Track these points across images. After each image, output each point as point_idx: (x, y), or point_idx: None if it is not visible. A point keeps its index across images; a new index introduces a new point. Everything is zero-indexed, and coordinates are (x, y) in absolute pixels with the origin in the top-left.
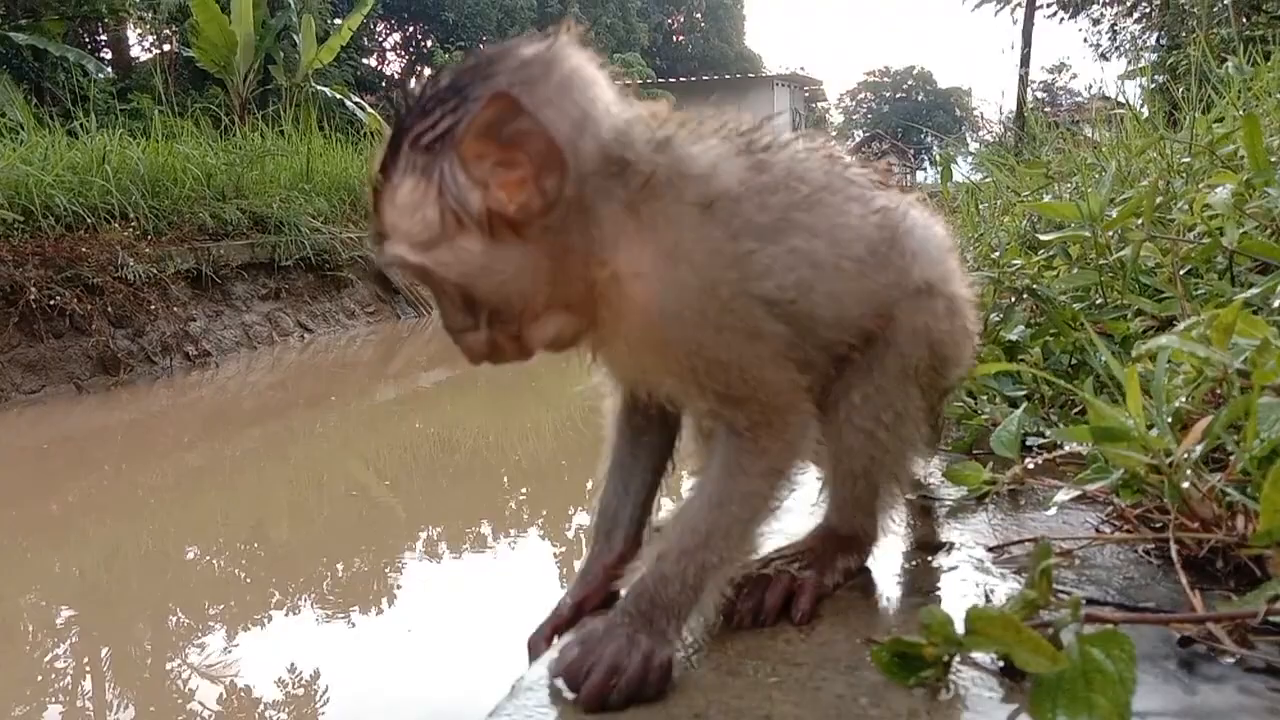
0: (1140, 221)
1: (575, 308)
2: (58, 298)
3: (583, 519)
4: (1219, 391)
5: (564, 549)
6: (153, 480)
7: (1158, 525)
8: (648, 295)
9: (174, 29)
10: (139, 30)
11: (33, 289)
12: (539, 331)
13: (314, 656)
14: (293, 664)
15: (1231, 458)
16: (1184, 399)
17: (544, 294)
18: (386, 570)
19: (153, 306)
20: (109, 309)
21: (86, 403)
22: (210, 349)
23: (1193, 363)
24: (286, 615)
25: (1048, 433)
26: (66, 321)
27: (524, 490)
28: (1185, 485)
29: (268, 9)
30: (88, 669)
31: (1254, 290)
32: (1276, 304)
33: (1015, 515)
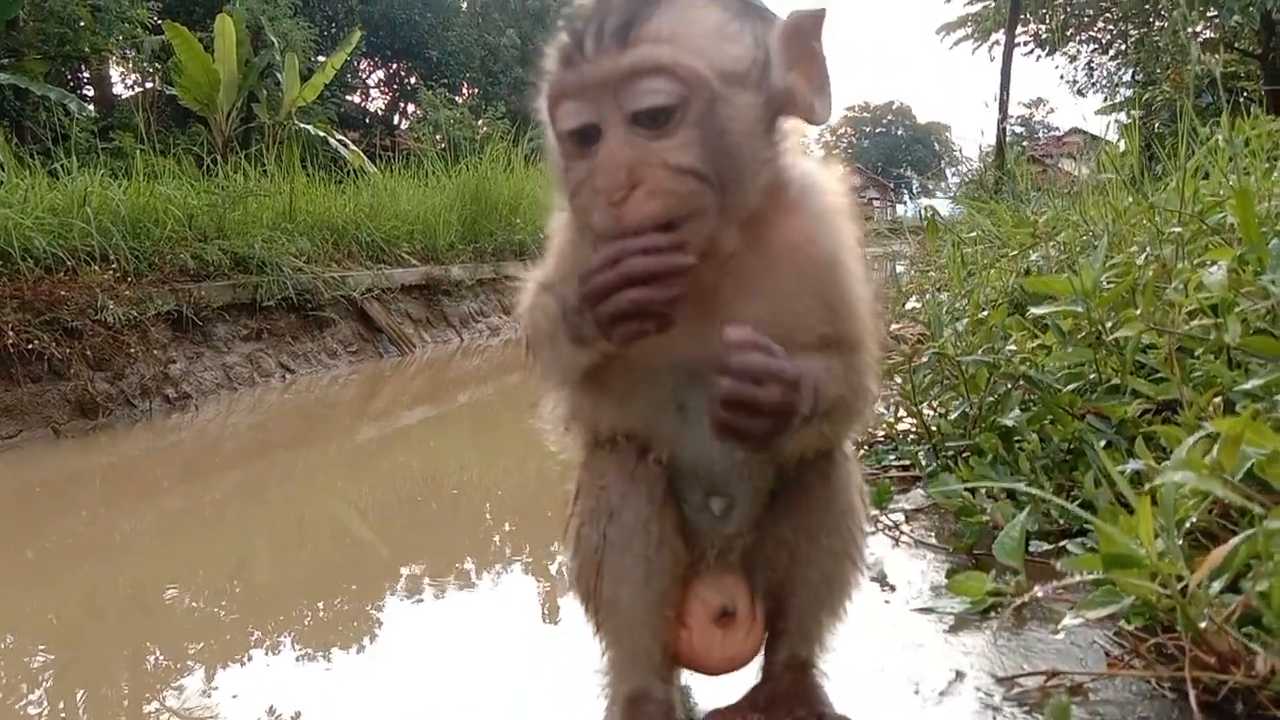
0: (1139, 311)
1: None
2: (36, 341)
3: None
4: (1230, 507)
5: (548, 586)
6: (131, 524)
7: (1170, 653)
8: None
9: (157, 67)
10: (121, 69)
11: (10, 333)
12: (731, 234)
13: (295, 698)
14: (272, 706)
15: (1246, 584)
16: (1195, 517)
17: (761, 183)
18: (369, 610)
19: (132, 349)
20: (88, 352)
21: (64, 447)
22: (190, 391)
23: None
24: (267, 656)
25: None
26: (44, 365)
27: (508, 527)
28: (1202, 624)
29: (251, 47)
30: (63, 714)
31: (1255, 382)
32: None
33: (1021, 634)
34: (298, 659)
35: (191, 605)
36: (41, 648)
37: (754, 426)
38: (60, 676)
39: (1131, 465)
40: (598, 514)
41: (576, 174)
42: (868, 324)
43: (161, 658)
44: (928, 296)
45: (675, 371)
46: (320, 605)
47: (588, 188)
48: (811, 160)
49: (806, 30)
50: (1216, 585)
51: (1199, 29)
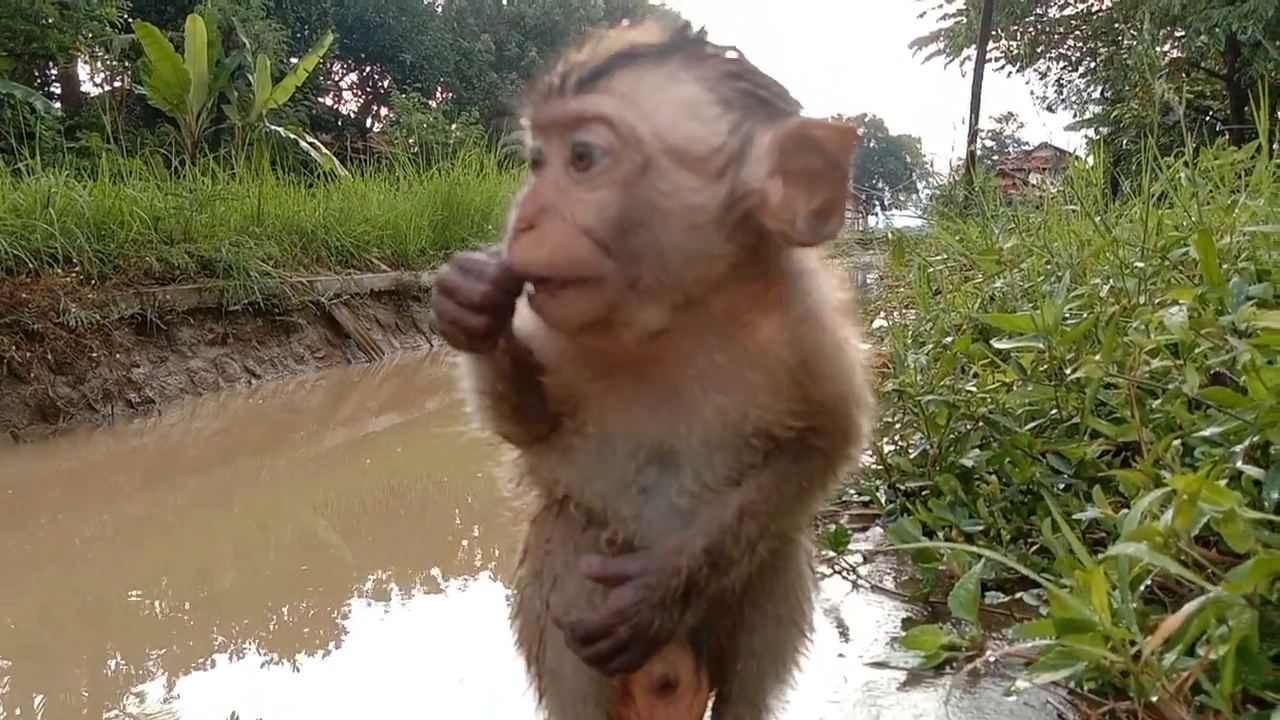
0: (1099, 352)
1: (704, 319)
2: None
3: None
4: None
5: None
6: (91, 530)
7: (1123, 716)
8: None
9: (126, 66)
10: (90, 67)
11: None
12: (652, 313)
13: (259, 703)
14: (235, 713)
15: (1202, 649)
16: (1150, 578)
17: (699, 277)
18: (334, 615)
19: (95, 353)
20: (49, 355)
21: (23, 451)
22: (153, 396)
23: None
24: (231, 662)
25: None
26: (4, 369)
27: (476, 533)
28: (1154, 696)
29: (223, 48)
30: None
31: (1214, 429)
32: (1239, 449)
33: (974, 693)
34: (262, 664)
35: (153, 611)
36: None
37: (629, 659)
38: (18, 683)
39: (1089, 513)
40: (541, 579)
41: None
42: (852, 417)
43: (122, 663)
44: (894, 315)
45: (635, 454)
46: (285, 610)
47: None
48: (812, 259)
49: (819, 143)
50: (1170, 657)
51: (1166, 48)
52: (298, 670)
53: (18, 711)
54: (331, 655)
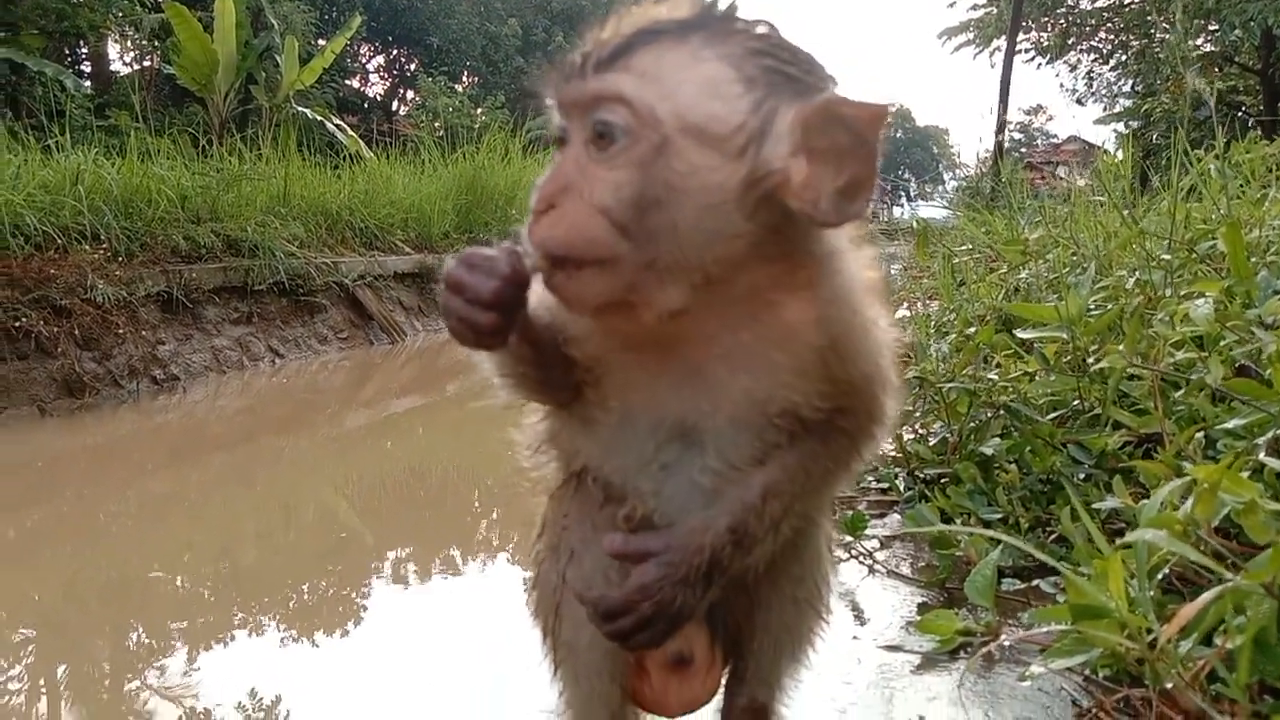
0: (1121, 348)
1: (728, 299)
2: (24, 319)
3: None
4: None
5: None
6: (116, 505)
7: (1136, 707)
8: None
9: (155, 45)
10: (119, 46)
11: None
12: (672, 292)
13: (279, 680)
14: (255, 689)
15: (1219, 638)
16: (1168, 566)
17: (718, 256)
18: (353, 595)
19: (121, 329)
20: (76, 331)
21: (49, 425)
22: (178, 373)
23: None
24: (251, 638)
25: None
26: (32, 343)
27: (495, 515)
28: (1169, 684)
29: (251, 29)
30: (43, 692)
31: (1237, 421)
32: (1262, 441)
33: (989, 678)
34: (281, 641)
35: (175, 587)
36: (23, 628)
37: (651, 635)
38: (42, 656)
39: (1109, 503)
40: (558, 553)
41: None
42: (878, 398)
43: (144, 637)
44: (919, 305)
45: (656, 431)
46: (305, 588)
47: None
48: (841, 239)
49: (847, 120)
50: (1185, 644)
51: (1199, 42)
52: (317, 647)
53: (41, 683)
54: (350, 633)
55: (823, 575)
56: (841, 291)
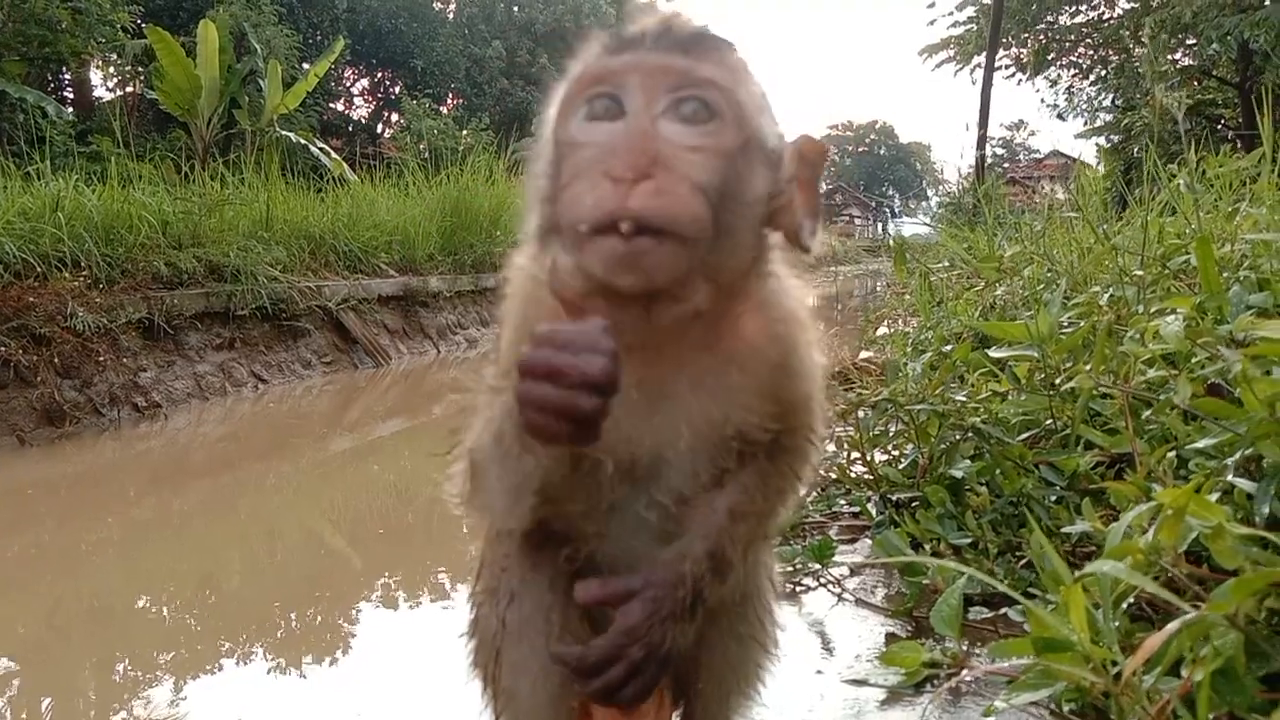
0: (1089, 367)
1: (704, 316)
2: (3, 348)
3: None
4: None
5: None
6: (97, 534)
7: None
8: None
9: (138, 71)
10: (102, 72)
11: None
12: (704, 293)
13: (262, 709)
14: (239, 718)
15: (1184, 671)
16: (1134, 596)
17: (741, 265)
18: (339, 621)
19: (101, 357)
20: (56, 359)
21: (30, 455)
22: (160, 400)
23: (1137, 558)
24: (236, 666)
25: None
26: (11, 372)
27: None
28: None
29: (234, 53)
30: None
31: (1208, 441)
32: (1230, 461)
33: (955, 712)
34: (267, 670)
35: (158, 616)
36: (4, 658)
37: (642, 683)
38: (24, 686)
39: (1078, 527)
40: (497, 596)
41: (580, 158)
42: (814, 424)
43: (127, 667)
44: (898, 323)
45: (606, 468)
46: (291, 616)
47: (593, 169)
48: (782, 265)
49: (811, 158)
50: (1150, 678)
51: (1178, 57)
52: (303, 675)
53: (24, 715)
54: (337, 661)
55: (765, 608)
56: (791, 312)
